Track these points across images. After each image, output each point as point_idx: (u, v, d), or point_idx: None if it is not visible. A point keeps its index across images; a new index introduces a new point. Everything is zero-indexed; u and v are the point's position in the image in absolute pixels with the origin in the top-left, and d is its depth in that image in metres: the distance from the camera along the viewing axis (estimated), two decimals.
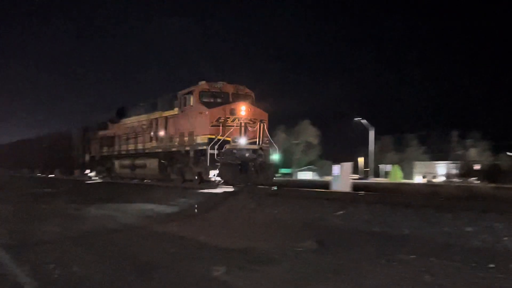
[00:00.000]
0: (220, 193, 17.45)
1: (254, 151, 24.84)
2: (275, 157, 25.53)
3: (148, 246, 10.00)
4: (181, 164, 26.22)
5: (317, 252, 9.26)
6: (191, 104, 25.56)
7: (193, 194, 18.55)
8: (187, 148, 25.47)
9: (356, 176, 55.71)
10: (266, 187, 21.80)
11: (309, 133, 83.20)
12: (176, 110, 26.75)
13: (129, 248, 9.76)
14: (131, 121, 31.81)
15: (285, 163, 75.23)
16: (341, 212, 11.70)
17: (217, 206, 14.96)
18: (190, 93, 25.84)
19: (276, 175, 37.50)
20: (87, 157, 38.42)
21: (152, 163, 28.58)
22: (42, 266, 8.12)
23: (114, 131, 33.84)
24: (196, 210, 15.32)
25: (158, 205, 16.96)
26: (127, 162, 31.87)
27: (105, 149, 35.18)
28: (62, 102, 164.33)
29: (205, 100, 25.38)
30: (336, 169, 21.78)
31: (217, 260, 8.30)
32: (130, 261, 8.57)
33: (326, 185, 24.47)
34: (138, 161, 30.26)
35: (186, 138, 25.66)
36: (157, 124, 28.51)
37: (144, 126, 29.70)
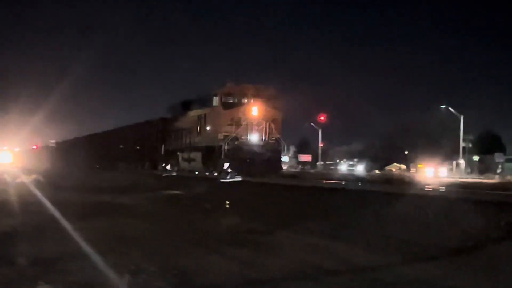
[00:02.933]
0: None
1: (262, 146, 29.68)
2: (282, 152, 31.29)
3: None
4: (213, 157, 30.42)
5: None
6: (216, 104, 30.71)
7: None
8: (214, 144, 30.26)
9: None
10: None
11: None
12: (209, 109, 31.79)
13: None
14: (191, 114, 34.91)
15: None
16: None
17: None
18: (216, 94, 30.89)
19: None
20: (162, 150, 40.16)
21: (198, 157, 32.66)
22: None
23: (181, 124, 36.45)
24: None
25: None
26: (185, 155, 35.21)
27: (174, 142, 38.01)
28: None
29: (226, 101, 30.46)
30: None
31: None
32: None
33: None
34: (192, 155, 33.92)
35: (214, 135, 30.59)
36: (200, 120, 32.84)
37: (196, 121, 33.52)
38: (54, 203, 15.82)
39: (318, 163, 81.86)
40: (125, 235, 11.18)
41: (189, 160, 34.00)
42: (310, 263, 8.79)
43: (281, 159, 32.68)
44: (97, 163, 51.94)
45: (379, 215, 12.56)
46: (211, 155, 30.41)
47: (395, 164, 77.14)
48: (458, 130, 59.98)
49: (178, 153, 36.22)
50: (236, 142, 29.14)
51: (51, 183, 26.80)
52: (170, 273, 7.67)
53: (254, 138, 29.60)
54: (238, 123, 29.30)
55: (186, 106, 35.75)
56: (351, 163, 76.32)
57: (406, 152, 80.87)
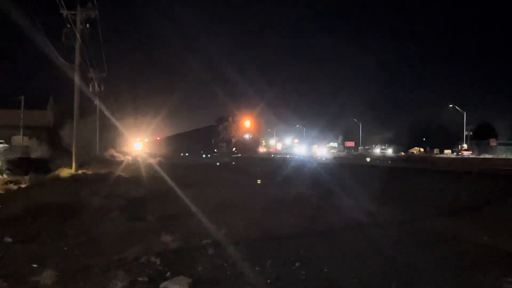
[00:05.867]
0: None
1: (249, 140, 45.58)
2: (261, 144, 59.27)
3: None
4: (230, 146, 45.74)
5: None
6: (230, 120, 48.19)
7: None
8: (229, 139, 45.84)
9: None
10: None
11: None
12: (228, 122, 49.59)
13: None
14: (223, 124, 48.87)
15: None
16: None
17: None
18: (229, 114, 50.91)
19: None
20: (212, 142, 54.15)
21: (224, 145, 46.24)
22: (283, 262, 5.48)
23: (219, 129, 50.36)
24: None
25: None
26: (220, 144, 49.02)
27: (216, 138, 51.52)
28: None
29: (234, 118, 47.66)
30: None
31: None
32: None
33: None
34: (222, 144, 47.11)
35: (229, 135, 45.82)
36: (225, 127, 47.61)
37: (224, 128, 48.99)
38: (173, 177, 16.39)
39: (359, 148, 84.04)
40: (222, 199, 11.31)
41: (220, 147, 48.44)
42: (353, 219, 8.87)
43: (259, 147, 52.30)
44: (188, 151, 56.10)
45: (405, 184, 12.45)
46: (229, 144, 46.48)
47: (416, 147, 78.74)
48: (462, 122, 61.82)
49: (218, 143, 51.20)
50: (238, 139, 46.38)
51: (168, 164, 28.10)
52: (254, 225, 7.86)
53: (245, 136, 47.45)
54: (238, 129, 46.78)
55: (222, 119, 52.46)
56: (383, 147, 77.82)
57: (424, 139, 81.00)
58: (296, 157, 33.40)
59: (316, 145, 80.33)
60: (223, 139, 49.33)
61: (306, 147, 72.87)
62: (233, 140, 45.04)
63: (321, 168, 21.97)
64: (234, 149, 42.97)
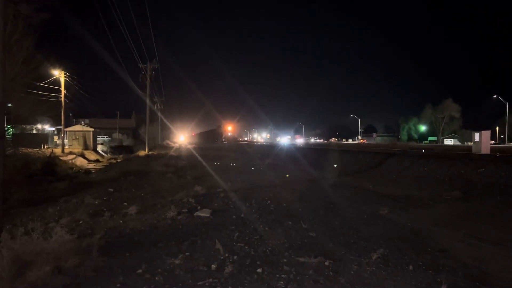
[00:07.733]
0: None
1: (231, 136, 44.14)
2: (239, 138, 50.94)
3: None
4: (222, 138, 43.58)
5: (462, 200, 5.34)
6: (221, 124, 45.49)
7: None
8: (223, 135, 44.01)
9: (492, 142, 37.13)
10: None
11: (452, 109, 51.71)
12: (222, 126, 45.32)
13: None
14: (220, 127, 47.28)
15: (432, 133, 54.82)
16: (482, 169, 6.77)
17: None
18: (222, 122, 46.16)
19: (424, 142, 49.63)
20: (216, 135, 51.04)
21: (220, 138, 44.48)
22: (261, 200, 5.34)
23: (218, 129, 47.70)
24: None
25: None
26: (217, 137, 46.31)
27: (217, 133, 48.11)
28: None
29: (222, 124, 45.40)
30: (476, 136, 11.90)
31: None
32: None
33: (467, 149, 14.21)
34: (219, 137, 45.53)
35: (221, 133, 44.69)
36: (221, 129, 46.29)
37: (220, 129, 46.55)
38: (200, 155, 16.07)
39: (303, 138, 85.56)
40: (227, 167, 11.15)
41: (219, 139, 46.74)
42: (301, 177, 8.76)
43: (237, 139, 49.43)
44: (206, 142, 55.30)
45: (327, 158, 12.48)
46: (221, 137, 44.58)
47: (333, 138, 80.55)
48: (357, 124, 62.39)
49: (218, 138, 48.59)
50: (225, 135, 44.74)
51: (200, 148, 27.56)
52: (246, 181, 7.74)
53: (229, 134, 45.17)
54: (226, 130, 45.33)
55: (218, 126, 49.66)
56: (316, 138, 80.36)
57: (337, 133, 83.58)
58: (281, 144, 32.10)
59: (287, 136, 79.97)
60: (219, 135, 49.81)
61: (285, 138, 71.23)
62: (223, 135, 45.73)
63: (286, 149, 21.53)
64: (224, 140, 44.55)
